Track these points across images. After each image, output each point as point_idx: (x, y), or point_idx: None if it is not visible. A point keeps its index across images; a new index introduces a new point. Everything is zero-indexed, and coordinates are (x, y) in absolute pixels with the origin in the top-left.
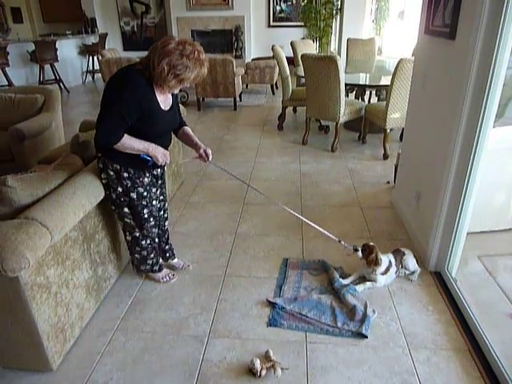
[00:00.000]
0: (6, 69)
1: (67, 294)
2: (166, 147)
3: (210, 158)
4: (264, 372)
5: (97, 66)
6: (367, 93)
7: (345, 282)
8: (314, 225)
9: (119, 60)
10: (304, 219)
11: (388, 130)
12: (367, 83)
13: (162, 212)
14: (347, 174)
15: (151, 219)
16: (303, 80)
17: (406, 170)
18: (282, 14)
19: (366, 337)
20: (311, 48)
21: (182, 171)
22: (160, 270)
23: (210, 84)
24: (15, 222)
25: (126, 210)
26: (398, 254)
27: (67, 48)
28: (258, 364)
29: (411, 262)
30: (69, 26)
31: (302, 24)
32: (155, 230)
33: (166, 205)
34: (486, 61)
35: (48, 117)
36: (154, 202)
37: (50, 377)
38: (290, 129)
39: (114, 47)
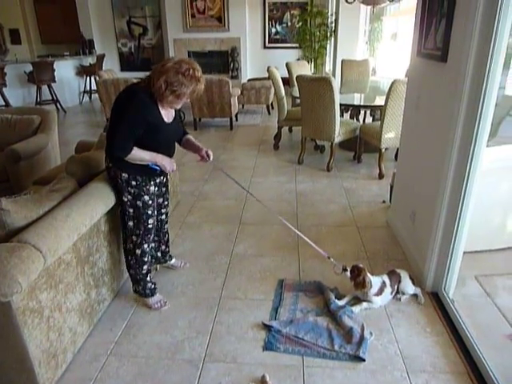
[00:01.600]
0: (3, 89)
1: (60, 319)
2: (171, 156)
3: (211, 158)
4: None
5: (94, 87)
6: (362, 113)
7: (340, 303)
8: (304, 236)
9: (116, 81)
10: (296, 231)
11: (383, 150)
12: (362, 103)
13: (163, 216)
14: (343, 193)
15: (152, 231)
16: (298, 100)
17: (401, 190)
18: (278, 36)
19: (364, 360)
20: (306, 69)
21: (178, 190)
22: (152, 294)
23: (207, 104)
24: (8, 245)
25: (130, 220)
26: (394, 276)
27: (65, 69)
28: None
29: (408, 285)
30: (67, 47)
31: (297, 45)
32: (152, 245)
33: (168, 209)
34: (478, 82)
35: (44, 138)
36: (156, 213)
37: None
38: (285, 148)
39: (111, 68)
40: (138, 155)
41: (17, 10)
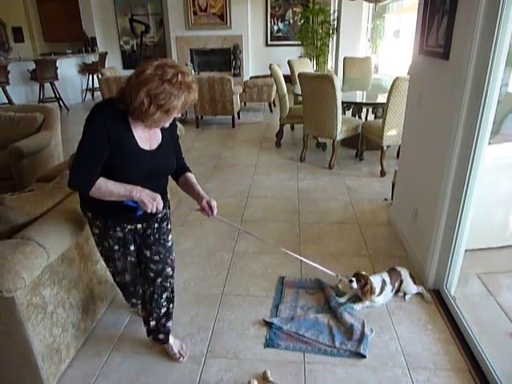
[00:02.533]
0: (7, 87)
1: (63, 314)
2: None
3: (215, 212)
4: None
5: (96, 84)
6: (364, 110)
7: (341, 300)
8: (312, 263)
9: (119, 78)
10: (302, 258)
11: (385, 148)
12: (364, 101)
13: (159, 279)
14: (345, 190)
15: (127, 275)
16: (300, 98)
17: (402, 187)
18: (280, 34)
19: (365, 356)
20: (308, 66)
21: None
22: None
23: (209, 102)
24: (12, 241)
25: (101, 254)
26: (394, 274)
27: (67, 66)
28: None
29: (410, 284)
30: (69, 45)
31: (299, 43)
32: (134, 284)
33: (168, 270)
34: (480, 80)
35: (47, 135)
36: (130, 259)
37: None
38: (287, 146)
39: (113, 66)
40: (105, 188)
41: (20, 8)
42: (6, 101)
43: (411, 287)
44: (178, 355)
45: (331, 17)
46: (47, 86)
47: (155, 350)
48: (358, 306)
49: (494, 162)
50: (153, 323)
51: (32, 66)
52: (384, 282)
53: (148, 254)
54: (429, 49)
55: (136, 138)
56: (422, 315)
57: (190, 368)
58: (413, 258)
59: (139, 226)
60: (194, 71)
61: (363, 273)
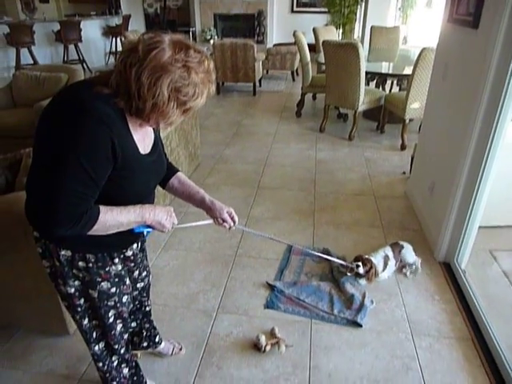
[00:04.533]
0: (32, 47)
1: None
2: None
3: (236, 223)
4: (268, 348)
5: (120, 48)
6: (388, 82)
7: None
8: (318, 254)
9: None
10: (310, 251)
11: (407, 121)
12: (389, 72)
13: (144, 294)
14: (363, 162)
15: (118, 323)
16: (324, 67)
17: (421, 161)
18: (306, 0)
19: (361, 326)
20: (333, 35)
21: (198, 153)
22: None
23: (230, 68)
24: None
25: (81, 314)
26: (396, 248)
27: (91, 29)
28: (263, 340)
29: (409, 254)
30: (93, 6)
31: (326, 10)
32: (126, 336)
33: (148, 280)
34: (508, 51)
35: None
36: (125, 299)
37: (66, 339)
38: (308, 116)
39: (137, 29)
40: (112, 219)
41: None
42: (32, 61)
43: (410, 257)
44: (174, 348)
45: None
46: (71, 48)
47: (170, 302)
48: (362, 281)
49: None
50: (145, 333)
51: (57, 27)
52: (387, 257)
53: (137, 273)
54: (458, 17)
55: (136, 141)
56: (429, 286)
57: (203, 321)
58: (426, 230)
59: (134, 246)
60: (217, 36)
61: (366, 256)
